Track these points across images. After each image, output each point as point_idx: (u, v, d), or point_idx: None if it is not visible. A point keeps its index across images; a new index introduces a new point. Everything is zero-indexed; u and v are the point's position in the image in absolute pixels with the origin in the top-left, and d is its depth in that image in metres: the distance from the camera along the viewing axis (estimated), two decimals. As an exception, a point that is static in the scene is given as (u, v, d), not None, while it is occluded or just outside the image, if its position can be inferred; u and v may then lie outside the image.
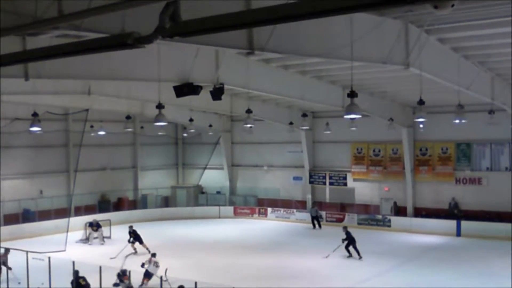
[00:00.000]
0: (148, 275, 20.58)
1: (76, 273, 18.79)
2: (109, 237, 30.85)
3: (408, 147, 34.20)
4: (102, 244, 29.74)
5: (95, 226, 30.53)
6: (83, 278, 18.77)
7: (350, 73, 14.67)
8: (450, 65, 18.48)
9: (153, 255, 21.69)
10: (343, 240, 25.95)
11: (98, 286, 18.05)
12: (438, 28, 15.37)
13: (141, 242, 26.99)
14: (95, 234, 30.29)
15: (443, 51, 17.64)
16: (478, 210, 32.26)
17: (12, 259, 19.82)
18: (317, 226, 35.30)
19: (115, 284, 18.92)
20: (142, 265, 20.93)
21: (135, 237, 27.10)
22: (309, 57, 17.51)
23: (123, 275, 18.76)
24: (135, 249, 26.84)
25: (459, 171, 33.59)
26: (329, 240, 30.92)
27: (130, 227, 27.72)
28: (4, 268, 21.40)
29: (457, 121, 24.87)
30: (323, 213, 36.59)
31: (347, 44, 12.83)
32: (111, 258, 24.72)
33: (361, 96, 18.55)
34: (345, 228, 26.99)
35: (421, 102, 18.34)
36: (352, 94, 13.73)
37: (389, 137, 34.38)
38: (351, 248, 25.97)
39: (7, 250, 21.92)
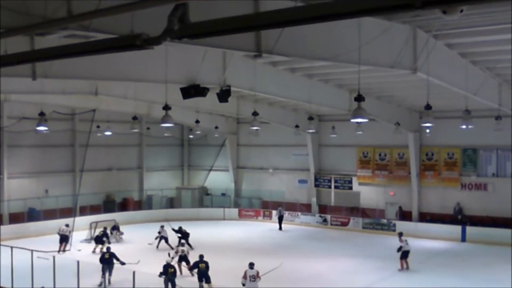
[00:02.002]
0: (163, 239, 28.30)
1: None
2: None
3: (414, 152, 34.13)
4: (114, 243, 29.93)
5: (116, 229, 31.12)
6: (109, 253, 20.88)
7: (357, 77, 14.62)
8: (457, 71, 18.44)
9: (162, 226, 28.72)
10: (181, 238, 27.99)
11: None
12: (446, 33, 15.33)
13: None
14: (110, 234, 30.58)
15: (451, 56, 17.58)
16: (483, 216, 32.19)
17: (17, 257, 19.84)
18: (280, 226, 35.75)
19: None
20: (159, 233, 28.42)
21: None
22: (317, 61, 17.51)
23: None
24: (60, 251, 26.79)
25: (465, 177, 33.52)
26: (334, 244, 31.02)
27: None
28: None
29: (463, 126, 24.84)
30: (328, 217, 36.67)
31: (355, 48, 12.81)
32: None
33: (368, 100, 18.52)
34: (179, 227, 28.89)
35: (428, 107, 18.27)
36: (359, 98, 13.68)
37: (395, 142, 34.32)
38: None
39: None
